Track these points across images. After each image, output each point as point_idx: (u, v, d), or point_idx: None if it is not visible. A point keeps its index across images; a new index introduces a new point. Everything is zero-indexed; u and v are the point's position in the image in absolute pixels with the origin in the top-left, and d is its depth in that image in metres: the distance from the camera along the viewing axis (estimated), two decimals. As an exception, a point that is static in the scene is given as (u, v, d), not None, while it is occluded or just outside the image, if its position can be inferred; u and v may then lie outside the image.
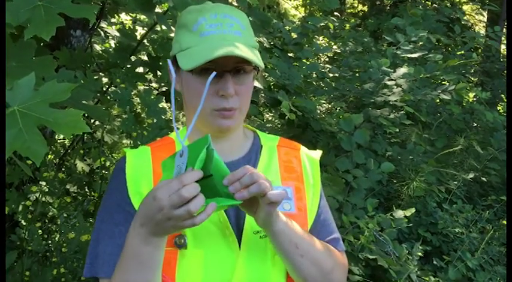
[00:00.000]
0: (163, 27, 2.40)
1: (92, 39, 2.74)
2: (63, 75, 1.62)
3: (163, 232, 0.81)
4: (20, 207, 2.33)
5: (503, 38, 5.01)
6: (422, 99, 3.17)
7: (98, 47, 3.07)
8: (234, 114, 0.93)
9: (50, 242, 2.41)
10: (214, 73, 0.78)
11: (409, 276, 2.25)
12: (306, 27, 3.43)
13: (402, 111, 3.00)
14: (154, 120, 2.09)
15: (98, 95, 2.39)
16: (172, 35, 2.70)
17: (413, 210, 2.55)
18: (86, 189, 2.90)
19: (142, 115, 2.43)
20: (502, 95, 4.82)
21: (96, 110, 1.85)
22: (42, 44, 1.72)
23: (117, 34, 2.71)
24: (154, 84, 2.85)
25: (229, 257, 0.91)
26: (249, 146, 1.04)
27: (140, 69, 2.49)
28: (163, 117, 2.09)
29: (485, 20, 6.92)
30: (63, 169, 2.91)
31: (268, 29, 3.19)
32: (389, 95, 3.05)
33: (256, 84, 2.36)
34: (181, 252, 0.90)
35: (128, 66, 2.37)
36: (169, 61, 0.86)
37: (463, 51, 4.40)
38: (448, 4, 5.74)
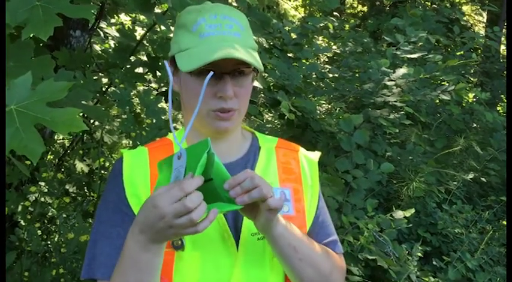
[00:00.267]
0: (163, 27, 2.41)
1: (92, 40, 2.73)
2: (62, 76, 1.62)
3: (163, 239, 0.80)
4: (19, 208, 2.33)
5: (502, 39, 5.01)
6: (421, 99, 3.18)
7: (97, 47, 3.07)
8: (232, 116, 0.92)
9: (49, 242, 2.40)
10: (211, 73, 0.78)
11: (409, 276, 2.25)
12: (305, 27, 3.43)
13: (402, 112, 3.00)
14: (154, 121, 2.09)
15: (98, 95, 2.39)
16: (171, 35, 2.70)
17: (412, 210, 2.54)
18: (85, 190, 2.90)
19: (141, 115, 2.43)
20: (502, 96, 4.83)
21: (95, 110, 1.85)
22: (41, 44, 1.72)
23: (117, 34, 2.71)
24: (153, 85, 2.85)
25: (226, 259, 0.91)
26: (247, 147, 1.04)
27: (139, 70, 2.49)
28: (162, 117, 2.09)
29: (485, 21, 6.92)
30: (62, 169, 2.90)
31: (268, 29, 3.19)
32: (389, 96, 3.05)
33: (256, 84, 2.36)
34: (178, 253, 0.89)
35: (127, 66, 2.37)
36: (166, 62, 0.85)
37: (462, 52, 4.41)
38: (448, 5, 5.74)
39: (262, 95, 2.85)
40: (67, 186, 2.72)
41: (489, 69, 5.10)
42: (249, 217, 0.88)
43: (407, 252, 2.41)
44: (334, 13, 5.07)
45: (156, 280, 0.84)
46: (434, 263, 2.59)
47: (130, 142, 3.12)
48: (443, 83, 3.54)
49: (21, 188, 2.50)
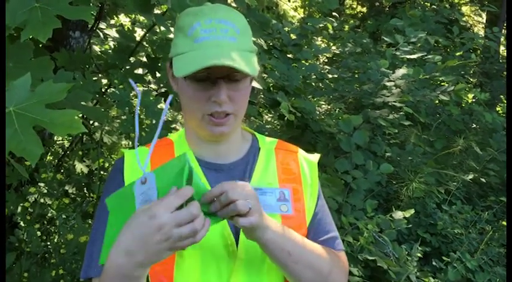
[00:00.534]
0: (162, 28, 2.41)
1: (91, 41, 2.73)
2: (61, 77, 1.62)
3: (153, 258, 0.75)
4: (19, 209, 2.33)
5: (502, 39, 5.02)
6: (421, 100, 3.18)
7: (96, 48, 3.07)
8: (227, 120, 0.92)
9: (48, 243, 2.40)
10: (170, 97, 0.77)
11: (409, 277, 2.25)
12: (305, 28, 3.43)
13: (401, 112, 3.01)
14: (153, 121, 2.09)
15: (97, 96, 2.38)
16: (171, 36, 2.70)
17: (412, 211, 2.55)
18: (85, 191, 2.89)
19: (141, 116, 2.43)
20: (501, 96, 4.83)
21: (95, 111, 1.85)
22: (40, 45, 1.72)
23: (116, 35, 2.71)
24: (153, 86, 2.85)
25: (226, 260, 0.91)
26: (247, 148, 1.04)
27: (139, 71, 2.49)
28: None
29: (484, 21, 6.93)
30: (62, 170, 2.90)
31: (268, 30, 3.19)
32: (388, 96, 3.06)
33: (256, 85, 2.36)
34: (178, 253, 0.89)
35: (127, 67, 2.37)
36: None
37: (461, 52, 4.41)
38: (447, 5, 5.75)
39: (262, 96, 2.85)
40: (66, 187, 2.72)
41: (488, 70, 5.11)
42: (237, 225, 0.87)
43: (407, 252, 2.41)
44: (334, 14, 5.07)
45: None
46: (434, 263, 2.59)
47: (130, 143, 3.12)
48: (442, 83, 3.55)
49: (21, 189, 2.50)
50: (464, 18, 6.04)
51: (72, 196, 2.78)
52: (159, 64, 2.42)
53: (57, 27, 1.13)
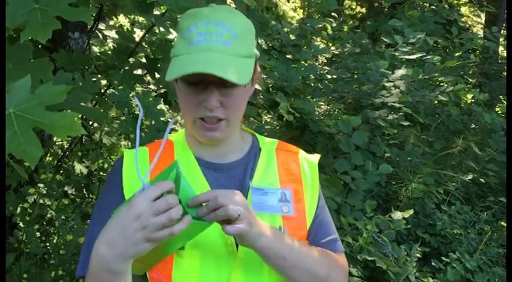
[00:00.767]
0: (162, 29, 2.41)
1: (90, 41, 2.74)
2: (61, 78, 1.62)
3: (131, 249, 0.75)
4: (18, 210, 2.33)
5: (501, 40, 5.02)
6: (420, 100, 3.19)
7: (96, 49, 3.07)
8: (219, 126, 0.91)
9: (48, 244, 2.40)
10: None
11: (408, 277, 2.25)
12: (304, 29, 3.43)
13: (400, 113, 3.01)
14: (153, 122, 2.09)
15: (96, 97, 2.38)
16: (170, 36, 2.70)
17: (411, 211, 2.55)
18: (84, 192, 2.89)
19: (140, 117, 2.42)
20: (500, 97, 4.84)
21: (94, 112, 1.85)
22: (40, 46, 1.72)
23: (116, 36, 2.71)
24: (152, 86, 2.85)
25: (226, 259, 0.91)
26: (247, 149, 1.04)
27: (138, 71, 2.49)
28: (161, 119, 2.09)
29: (483, 22, 6.94)
30: (61, 171, 2.90)
31: (267, 30, 3.20)
32: (387, 97, 3.06)
33: (256, 86, 2.35)
34: (178, 252, 0.90)
35: (126, 68, 2.37)
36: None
37: (460, 53, 4.42)
38: (446, 6, 5.75)
39: (261, 97, 2.85)
40: (66, 188, 2.72)
41: (487, 70, 5.11)
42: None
43: (406, 253, 2.42)
44: (333, 14, 5.07)
45: None
46: (433, 263, 2.59)
47: (129, 144, 3.12)
48: (441, 84, 3.55)
49: (20, 190, 2.50)
50: (463, 19, 6.05)
51: (72, 197, 2.78)
52: (158, 65, 2.42)
53: (57, 28, 1.13)
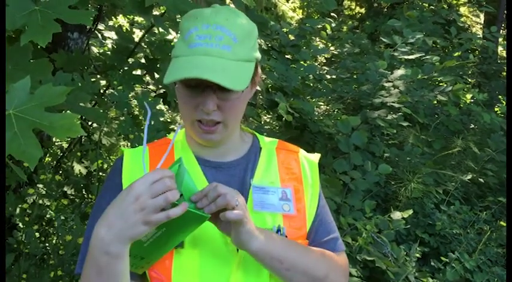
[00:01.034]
0: (161, 29, 2.41)
1: (90, 42, 2.73)
2: (60, 78, 1.62)
3: (128, 230, 0.76)
4: (17, 210, 2.32)
5: (500, 39, 5.03)
6: (419, 100, 3.19)
7: (95, 50, 3.07)
8: (216, 129, 0.91)
9: (47, 244, 2.40)
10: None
11: (407, 277, 2.26)
12: (303, 29, 3.43)
13: (400, 113, 3.01)
14: (152, 122, 2.09)
15: (96, 97, 2.38)
16: (169, 37, 2.70)
17: (411, 211, 2.55)
18: (84, 192, 2.89)
19: (139, 117, 2.43)
20: (499, 97, 4.85)
21: (93, 113, 1.85)
22: (39, 47, 1.72)
23: (115, 36, 2.70)
24: (151, 87, 2.85)
25: (226, 258, 0.91)
26: (247, 148, 1.04)
27: (138, 72, 2.49)
28: (161, 119, 2.09)
29: (482, 22, 6.95)
30: (60, 171, 2.90)
31: (266, 31, 3.19)
32: (386, 97, 3.06)
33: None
34: (177, 251, 0.90)
35: (125, 68, 2.37)
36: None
37: (459, 53, 4.42)
38: (445, 6, 5.76)
39: (260, 97, 2.86)
40: (65, 189, 2.71)
41: (486, 70, 5.12)
42: (226, 234, 0.88)
43: (405, 253, 2.42)
44: (332, 14, 5.08)
45: None
46: (432, 263, 2.60)
47: (129, 144, 3.12)
48: (440, 84, 3.55)
49: (19, 190, 2.50)
50: (462, 19, 6.06)
51: (71, 197, 2.78)
52: (158, 65, 2.42)
53: (57, 31, 1.12)
